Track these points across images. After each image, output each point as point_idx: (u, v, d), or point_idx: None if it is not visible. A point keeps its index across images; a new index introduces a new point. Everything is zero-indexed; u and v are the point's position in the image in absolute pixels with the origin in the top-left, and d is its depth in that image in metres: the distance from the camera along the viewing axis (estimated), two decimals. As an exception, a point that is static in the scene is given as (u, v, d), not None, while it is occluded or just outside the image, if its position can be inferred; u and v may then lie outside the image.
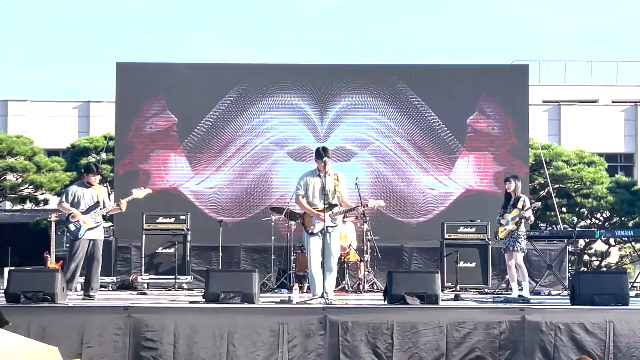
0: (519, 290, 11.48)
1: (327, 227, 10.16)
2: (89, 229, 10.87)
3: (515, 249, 11.34)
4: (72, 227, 10.89)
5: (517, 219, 11.37)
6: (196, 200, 15.54)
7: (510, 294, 11.66)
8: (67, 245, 11.10)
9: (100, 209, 10.96)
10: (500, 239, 11.66)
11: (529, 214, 11.51)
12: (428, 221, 15.42)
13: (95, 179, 11.06)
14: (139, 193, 11.28)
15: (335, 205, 10.34)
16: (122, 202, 11.07)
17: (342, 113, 15.73)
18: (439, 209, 15.52)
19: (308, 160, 14.37)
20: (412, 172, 15.64)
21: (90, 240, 10.91)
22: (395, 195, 15.53)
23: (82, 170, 12.05)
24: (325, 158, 10.29)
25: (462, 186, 15.62)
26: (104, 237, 13.63)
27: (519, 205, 11.40)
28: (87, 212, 10.89)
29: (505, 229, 11.44)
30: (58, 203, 11.30)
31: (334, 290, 10.71)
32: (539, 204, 12.96)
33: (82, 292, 11.13)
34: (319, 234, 10.26)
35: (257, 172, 15.64)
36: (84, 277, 11.12)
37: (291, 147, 15.67)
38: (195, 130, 15.69)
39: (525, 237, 11.64)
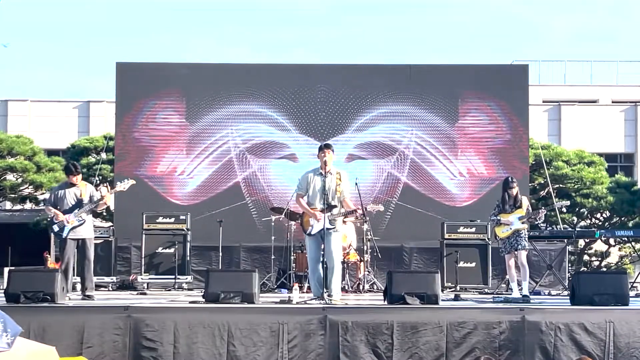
0: (519, 289, 11.49)
1: (326, 229, 10.10)
2: (73, 228, 10.85)
3: (525, 247, 11.40)
4: (55, 227, 10.91)
5: (525, 219, 11.40)
6: (193, 198, 15.52)
7: (510, 294, 11.66)
8: (57, 247, 11.12)
9: (85, 205, 10.92)
10: (500, 239, 11.63)
11: (541, 215, 11.65)
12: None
13: (75, 178, 11.02)
14: (123, 185, 11.28)
15: (335, 206, 10.27)
16: (104, 196, 11.07)
17: (344, 113, 15.73)
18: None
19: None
20: (416, 172, 15.66)
21: (77, 239, 10.90)
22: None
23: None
24: (325, 154, 10.24)
25: (463, 183, 15.64)
26: (104, 237, 13.78)
27: (524, 206, 11.44)
28: (69, 211, 10.88)
29: (510, 229, 11.42)
30: (45, 206, 11.32)
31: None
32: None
33: (79, 292, 11.13)
34: (318, 235, 10.22)
35: (259, 172, 15.64)
36: (79, 277, 11.14)
37: (293, 147, 15.67)
38: (196, 130, 15.69)
39: (527, 235, 11.67)
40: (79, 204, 10.93)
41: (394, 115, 15.78)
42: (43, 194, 20.57)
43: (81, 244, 10.94)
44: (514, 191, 11.53)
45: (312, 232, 10.26)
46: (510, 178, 11.79)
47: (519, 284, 11.56)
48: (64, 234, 10.85)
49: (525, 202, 11.55)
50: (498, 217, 11.59)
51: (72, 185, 11.04)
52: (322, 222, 10.13)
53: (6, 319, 6.54)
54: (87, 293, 10.86)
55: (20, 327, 6.68)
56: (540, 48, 58.81)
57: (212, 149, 15.69)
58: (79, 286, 11.36)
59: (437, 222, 14.58)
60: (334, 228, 10.20)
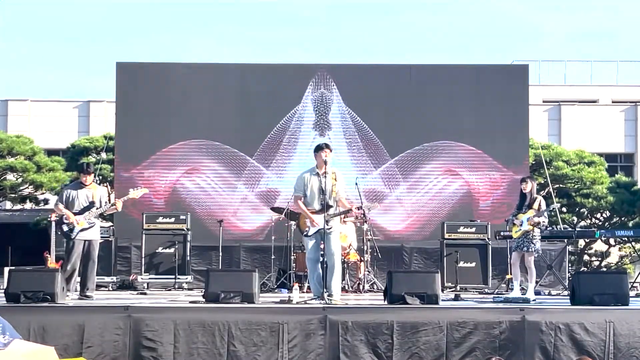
0: (520, 290, 11.47)
1: (323, 229, 10.06)
2: (82, 230, 10.86)
3: (530, 250, 11.25)
4: (65, 228, 10.92)
5: (532, 220, 11.29)
6: (195, 200, 15.52)
7: (509, 293, 11.64)
8: (58, 246, 11.14)
9: (96, 209, 10.94)
10: (514, 239, 11.57)
11: (539, 219, 11.28)
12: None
13: (86, 178, 11.02)
14: (136, 193, 11.30)
15: (331, 206, 10.23)
16: (117, 201, 11.08)
17: (343, 112, 15.72)
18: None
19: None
20: (415, 171, 15.66)
21: (84, 240, 10.91)
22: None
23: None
24: (327, 153, 10.21)
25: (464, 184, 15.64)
26: (104, 237, 13.78)
27: (535, 206, 11.32)
28: (80, 212, 10.89)
29: (520, 230, 11.35)
30: (54, 204, 11.32)
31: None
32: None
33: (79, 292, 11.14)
34: (316, 236, 10.20)
35: (259, 171, 15.64)
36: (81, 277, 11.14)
37: (292, 147, 15.66)
38: (196, 130, 15.67)
39: (540, 238, 11.43)
40: (90, 206, 10.95)
41: (393, 114, 15.76)
42: (43, 193, 20.57)
43: (87, 246, 10.95)
44: (526, 187, 11.38)
45: (310, 234, 10.24)
46: (523, 176, 11.65)
47: (521, 284, 11.54)
48: (73, 235, 10.87)
49: (536, 203, 11.33)
50: (514, 217, 11.50)
51: (84, 185, 11.06)
52: (319, 224, 10.10)
53: (5, 324, 6.58)
54: (86, 293, 10.87)
55: (19, 335, 6.71)
56: (540, 48, 58.85)
57: (212, 148, 15.67)
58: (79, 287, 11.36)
59: (437, 222, 14.60)
60: (330, 229, 10.17)
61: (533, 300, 10.92)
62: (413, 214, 15.52)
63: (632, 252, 19.85)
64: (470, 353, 9.05)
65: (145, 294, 12.64)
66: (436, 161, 15.65)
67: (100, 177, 19.02)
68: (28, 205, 21.29)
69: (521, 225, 11.31)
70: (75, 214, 10.88)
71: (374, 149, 15.68)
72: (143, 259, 13.83)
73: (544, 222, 11.40)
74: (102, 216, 19.39)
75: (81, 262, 10.98)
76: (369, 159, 15.64)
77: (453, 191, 15.61)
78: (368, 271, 13.17)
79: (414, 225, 15.49)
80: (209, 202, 15.51)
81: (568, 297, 10.72)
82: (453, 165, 15.65)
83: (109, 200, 11.34)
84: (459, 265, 13.59)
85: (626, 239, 17.92)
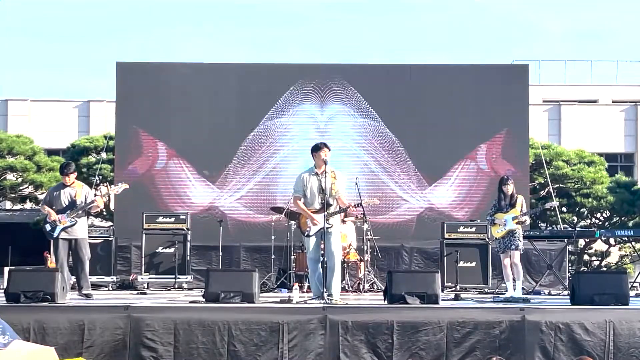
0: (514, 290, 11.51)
1: (324, 228, 10.07)
2: (65, 228, 10.89)
3: (518, 248, 11.37)
4: (47, 227, 10.99)
5: (519, 219, 11.38)
6: (196, 201, 15.53)
7: (503, 294, 11.67)
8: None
9: (79, 206, 10.94)
10: (496, 239, 11.65)
11: (524, 218, 11.59)
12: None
13: (66, 179, 11.06)
14: (115, 189, 11.35)
15: (331, 205, 10.24)
16: (97, 199, 11.10)
17: (344, 112, 15.72)
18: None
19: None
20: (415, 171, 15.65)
21: (70, 239, 10.94)
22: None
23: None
24: (326, 153, 10.21)
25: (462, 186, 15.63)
26: (104, 237, 13.79)
27: (518, 205, 11.43)
28: (63, 211, 10.92)
29: (504, 229, 11.42)
30: (40, 205, 11.39)
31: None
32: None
33: (75, 292, 11.15)
34: (316, 235, 10.21)
35: (258, 171, 15.63)
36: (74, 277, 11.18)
37: (293, 146, 15.66)
38: (195, 129, 15.67)
39: (522, 235, 11.65)
40: (72, 204, 10.96)
41: (393, 114, 15.75)
42: (43, 193, 20.55)
43: (74, 244, 10.97)
44: (509, 189, 11.53)
45: (311, 233, 10.25)
46: (505, 176, 11.85)
47: (514, 281, 11.58)
48: (55, 234, 10.91)
49: (519, 201, 11.51)
50: (493, 217, 11.60)
51: (66, 185, 11.08)
52: (320, 223, 10.11)
53: (4, 325, 6.60)
54: (84, 292, 10.91)
55: (18, 336, 6.73)
56: (540, 48, 58.87)
57: (214, 150, 15.65)
58: (74, 286, 11.37)
59: (437, 221, 14.60)
60: (331, 227, 10.19)
61: (523, 296, 11.01)
62: (414, 212, 15.52)
63: (632, 252, 19.82)
64: (470, 353, 9.06)
65: (145, 293, 12.64)
66: (435, 161, 15.63)
67: (100, 177, 19.02)
68: (28, 205, 21.28)
69: (504, 225, 11.39)
70: (58, 212, 10.92)
71: (374, 148, 15.67)
72: (143, 259, 13.83)
73: (527, 220, 11.71)
74: (101, 216, 19.52)
75: (72, 261, 11.01)
76: (369, 157, 15.63)
77: (451, 190, 15.60)
78: (368, 271, 13.17)
79: (417, 224, 15.48)
80: (209, 201, 15.51)
81: (568, 297, 10.74)
82: (453, 165, 15.62)
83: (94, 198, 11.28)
84: (459, 265, 13.59)
85: (626, 238, 17.88)
